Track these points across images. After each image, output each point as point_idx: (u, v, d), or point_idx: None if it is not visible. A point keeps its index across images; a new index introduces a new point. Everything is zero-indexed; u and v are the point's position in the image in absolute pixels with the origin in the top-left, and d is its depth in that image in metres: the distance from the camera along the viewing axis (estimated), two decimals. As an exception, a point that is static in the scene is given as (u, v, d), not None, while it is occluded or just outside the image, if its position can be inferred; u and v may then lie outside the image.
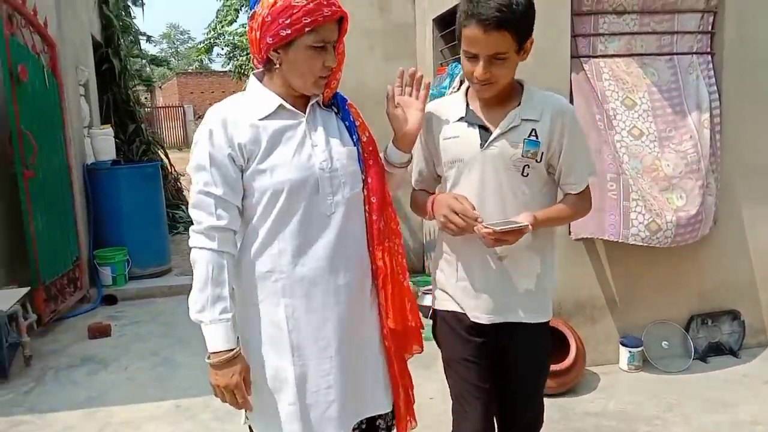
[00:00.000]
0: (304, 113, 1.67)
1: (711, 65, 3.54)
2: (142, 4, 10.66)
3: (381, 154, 1.83)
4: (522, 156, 1.74)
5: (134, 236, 5.74)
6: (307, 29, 1.54)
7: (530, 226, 1.68)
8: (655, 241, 3.28)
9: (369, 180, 1.72)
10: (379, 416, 1.85)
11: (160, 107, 26.54)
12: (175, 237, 7.51)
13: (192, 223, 1.65)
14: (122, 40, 8.67)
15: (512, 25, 1.61)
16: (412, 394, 1.88)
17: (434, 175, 1.95)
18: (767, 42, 3.57)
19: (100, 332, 4.48)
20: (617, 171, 3.29)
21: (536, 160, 1.76)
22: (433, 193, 1.92)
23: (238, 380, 1.61)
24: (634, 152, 3.33)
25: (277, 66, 1.63)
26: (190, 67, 35.20)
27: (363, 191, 1.72)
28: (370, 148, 1.76)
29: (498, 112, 1.77)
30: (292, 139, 1.63)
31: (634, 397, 3.26)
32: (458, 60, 1.85)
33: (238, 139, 1.60)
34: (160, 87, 31.87)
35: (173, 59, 34.30)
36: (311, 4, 1.53)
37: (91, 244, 5.70)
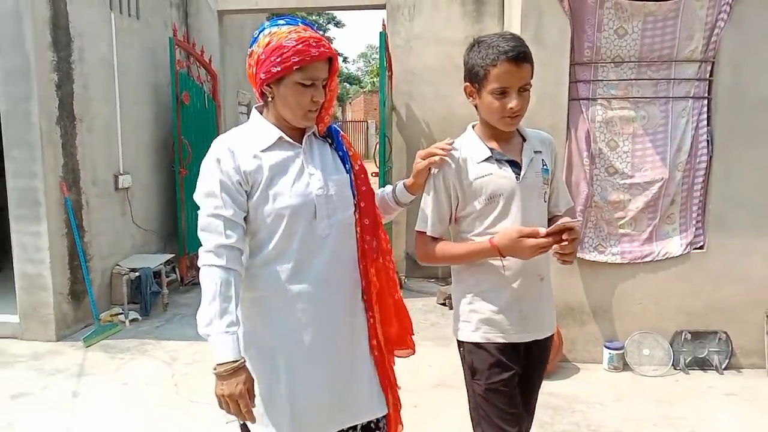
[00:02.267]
0: (301, 144, 1.79)
1: (706, 109, 3.98)
2: (342, 26, 12.24)
3: (388, 189, 2.09)
4: (543, 183, 1.96)
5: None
6: (295, 67, 1.65)
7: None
8: (602, 259, 4.06)
9: (362, 204, 1.85)
10: (373, 422, 1.93)
11: (349, 121, 29.29)
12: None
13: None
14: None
15: (531, 57, 1.85)
16: (399, 399, 1.99)
17: (449, 220, 2.01)
18: (759, 87, 3.92)
19: (222, 295, 5.88)
20: (585, 204, 4.00)
21: (547, 186, 1.99)
22: (440, 240, 2.01)
23: (242, 390, 1.62)
24: (604, 186, 4.02)
25: (270, 99, 1.75)
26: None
27: (355, 214, 1.84)
28: (362, 176, 1.88)
29: (511, 148, 1.96)
30: (291, 169, 1.74)
31: (594, 387, 3.83)
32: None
33: (244, 167, 1.70)
34: (349, 103, 34.83)
35: (367, 77, 37.03)
36: (300, 45, 1.64)
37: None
